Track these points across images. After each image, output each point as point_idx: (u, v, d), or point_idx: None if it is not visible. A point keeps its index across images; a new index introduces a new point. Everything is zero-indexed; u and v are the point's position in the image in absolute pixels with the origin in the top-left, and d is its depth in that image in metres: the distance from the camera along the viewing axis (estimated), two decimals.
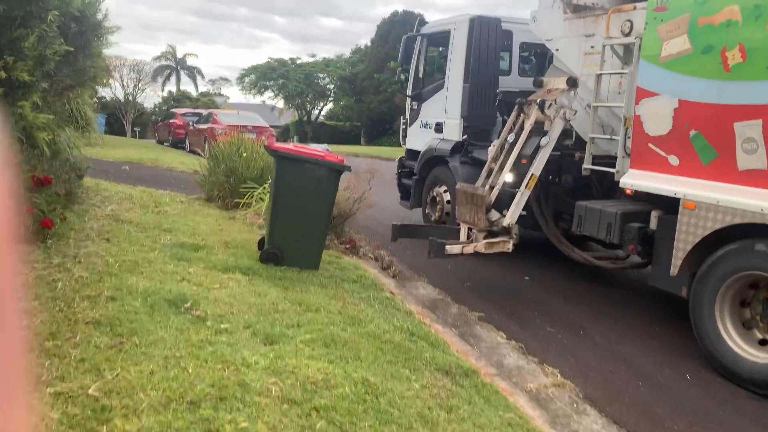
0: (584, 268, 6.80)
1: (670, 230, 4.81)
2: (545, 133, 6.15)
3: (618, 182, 5.67)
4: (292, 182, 5.36)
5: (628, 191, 5.34)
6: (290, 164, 5.39)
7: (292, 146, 5.91)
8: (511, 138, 6.26)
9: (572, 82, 6.06)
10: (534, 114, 6.07)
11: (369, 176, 7.14)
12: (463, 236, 6.27)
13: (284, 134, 45.21)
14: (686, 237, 4.58)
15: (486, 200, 5.95)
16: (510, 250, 6.05)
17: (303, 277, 5.05)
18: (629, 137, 5.42)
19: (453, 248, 5.81)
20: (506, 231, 6.04)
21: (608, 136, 5.87)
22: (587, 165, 5.96)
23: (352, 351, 3.43)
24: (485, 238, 6.03)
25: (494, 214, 5.98)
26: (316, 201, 5.41)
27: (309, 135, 44.05)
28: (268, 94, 44.47)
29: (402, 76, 9.06)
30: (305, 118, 45.82)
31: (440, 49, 9.03)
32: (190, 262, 4.83)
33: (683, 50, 4.65)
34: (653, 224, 5.20)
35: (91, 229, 5.39)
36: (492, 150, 7.02)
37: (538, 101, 6.07)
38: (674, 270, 4.68)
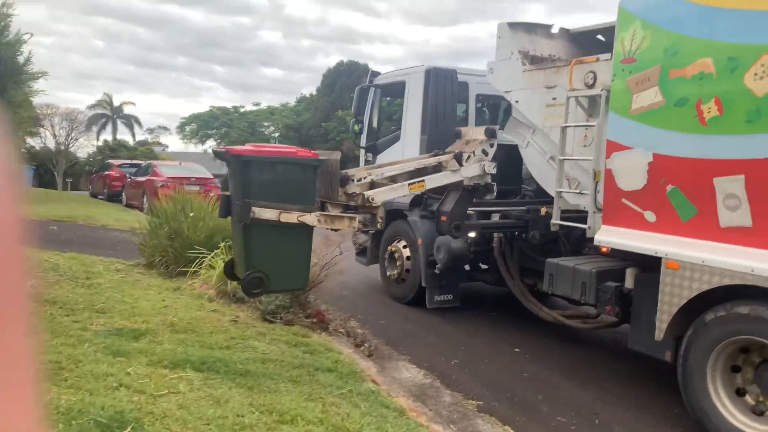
0: (569, 330, 6.45)
1: (650, 290, 4.56)
2: (464, 188, 5.86)
3: (586, 237, 5.46)
4: (265, 189, 4.73)
5: (603, 249, 5.09)
6: (261, 168, 4.77)
7: (250, 147, 5.19)
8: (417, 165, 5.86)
9: (490, 133, 5.86)
10: (452, 166, 5.78)
11: (341, 239, 6.63)
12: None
13: (226, 183, 44.24)
14: (671, 299, 4.32)
15: (338, 169, 5.30)
16: (355, 229, 5.36)
17: (269, 369, 4.30)
18: (599, 192, 5.22)
19: (264, 212, 4.78)
20: (367, 209, 5.27)
21: (577, 191, 5.66)
22: (556, 221, 5.72)
23: None
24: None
25: (353, 186, 5.30)
26: (297, 205, 4.81)
27: None
28: (210, 142, 43.73)
29: (356, 127, 8.76)
30: None
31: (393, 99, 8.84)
32: (129, 357, 4.00)
33: (655, 103, 4.50)
34: (629, 283, 4.95)
35: None
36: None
37: (455, 153, 5.78)
38: (659, 334, 4.39)
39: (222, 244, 6.80)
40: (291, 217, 4.80)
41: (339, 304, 6.95)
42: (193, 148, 44.91)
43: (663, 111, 4.42)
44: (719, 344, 4.11)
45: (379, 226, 5.31)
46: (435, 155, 5.97)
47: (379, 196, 5.26)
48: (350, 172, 5.51)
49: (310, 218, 4.87)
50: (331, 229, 6.21)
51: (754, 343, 4.00)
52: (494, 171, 5.86)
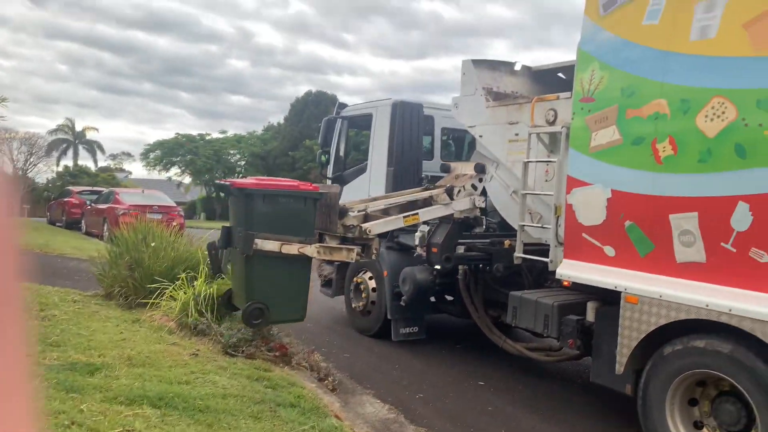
0: (533, 363, 6.46)
1: (610, 323, 4.63)
2: (454, 221, 6.01)
3: (548, 270, 5.54)
4: (267, 221, 4.88)
5: (565, 282, 5.17)
6: (264, 201, 4.91)
7: (253, 180, 5.33)
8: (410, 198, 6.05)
9: (480, 168, 6.00)
10: (442, 200, 5.92)
11: None
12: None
13: (190, 210, 43.67)
14: (630, 333, 4.40)
15: (337, 201, 5.54)
16: (353, 260, 5.54)
17: (230, 405, 4.17)
18: (561, 226, 5.32)
19: (266, 244, 4.96)
20: (363, 241, 5.52)
21: (539, 225, 5.77)
22: (519, 254, 5.80)
23: None
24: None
25: (350, 219, 5.51)
26: (297, 236, 4.98)
27: (218, 212, 42.78)
28: (175, 170, 43.16)
29: (323, 158, 8.79)
30: (214, 194, 44.58)
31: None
32: (83, 392, 3.84)
33: (613, 141, 4.64)
34: (590, 316, 5.03)
35: None
36: (418, 235, 6.80)
37: (446, 188, 5.93)
38: (620, 367, 4.46)
39: (183, 275, 6.67)
40: (292, 248, 4.99)
41: (303, 337, 6.86)
42: (157, 175, 44.27)
43: (620, 149, 4.57)
44: (677, 377, 4.18)
45: (374, 256, 5.48)
46: (426, 189, 6.13)
47: (376, 228, 5.46)
48: (347, 204, 5.66)
49: (310, 250, 5.08)
50: (327, 262, 6.35)
51: (710, 376, 4.09)
52: (483, 205, 6.02)
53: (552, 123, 5.63)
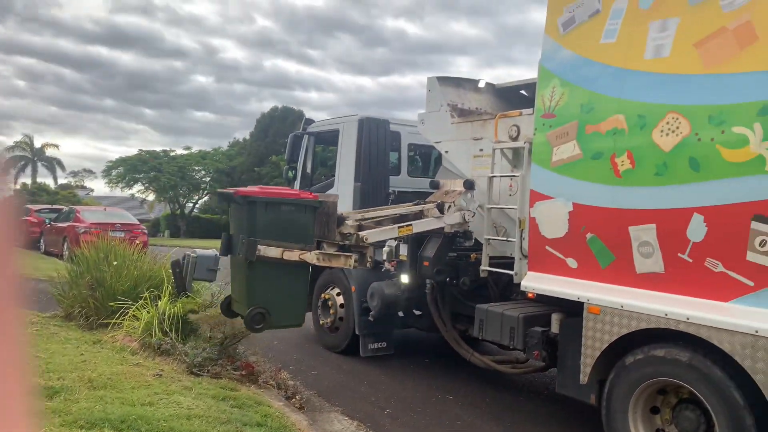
0: (500, 375, 6.51)
1: (574, 334, 4.72)
2: (444, 235, 6.13)
3: (513, 282, 5.62)
4: (269, 228, 5.11)
5: (530, 294, 5.24)
6: (267, 209, 5.14)
7: (257, 188, 5.52)
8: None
9: (469, 185, 6.10)
10: (433, 214, 6.05)
11: None
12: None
13: (154, 228, 42.89)
14: (593, 343, 4.49)
15: (335, 210, 5.73)
16: (351, 266, 5.71)
17: (195, 426, 4.08)
18: (525, 239, 5.42)
19: (269, 251, 5.08)
20: (359, 249, 5.70)
21: (504, 238, 5.85)
22: (485, 267, 5.87)
23: None
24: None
25: (347, 227, 5.69)
26: (298, 243, 5.23)
27: (182, 229, 42.10)
28: (138, 187, 42.38)
29: (290, 174, 8.77)
30: (178, 211, 43.91)
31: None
32: (41, 417, 3.68)
33: (574, 155, 4.76)
34: (555, 328, 5.10)
35: None
36: (386, 250, 6.83)
37: (437, 203, 6.05)
38: (584, 378, 4.54)
39: (146, 294, 6.54)
40: (293, 255, 5.22)
41: (270, 355, 6.78)
42: (120, 192, 43.40)
43: (581, 163, 4.68)
44: (639, 386, 4.27)
45: (368, 264, 5.61)
46: (417, 204, 6.29)
47: (372, 237, 5.72)
48: (344, 214, 5.81)
49: (310, 256, 5.34)
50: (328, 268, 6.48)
51: (671, 384, 4.19)
52: (473, 219, 6.14)
53: (515, 138, 5.75)
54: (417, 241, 6.67)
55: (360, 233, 5.64)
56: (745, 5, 3.78)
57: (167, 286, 6.73)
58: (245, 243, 5.06)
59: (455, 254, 6.67)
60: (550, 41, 4.99)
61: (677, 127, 4.03)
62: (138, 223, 18.88)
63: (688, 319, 3.92)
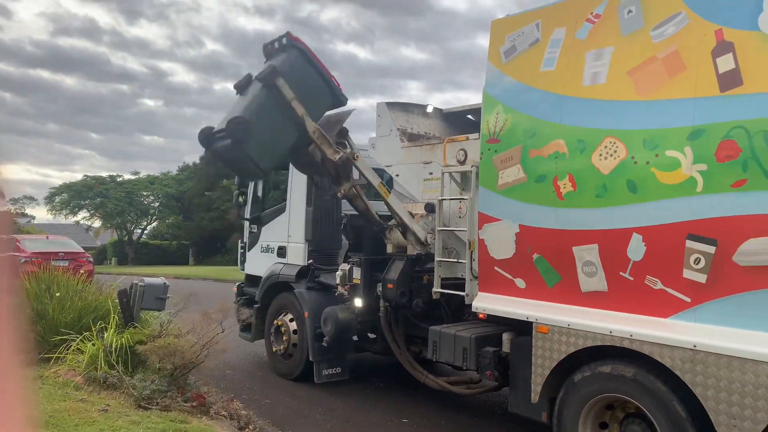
0: (455, 396, 6.54)
1: (525, 353, 4.81)
2: (407, 258, 6.16)
3: (465, 303, 5.70)
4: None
5: (481, 315, 5.32)
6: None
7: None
8: None
9: (430, 208, 6.18)
10: (395, 238, 6.08)
11: (221, 316, 6.37)
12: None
13: (101, 256, 41.56)
14: (543, 362, 4.59)
15: None
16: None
17: None
18: (475, 260, 5.52)
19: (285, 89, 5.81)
20: None
21: (454, 259, 5.94)
22: (437, 288, 5.93)
23: None
24: None
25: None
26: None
27: (130, 256, 40.91)
28: (83, 213, 41.06)
29: (240, 199, 8.67)
30: (126, 238, 42.69)
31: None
32: None
33: (518, 179, 4.90)
34: (506, 347, 5.19)
35: None
36: (339, 274, 6.83)
37: (399, 226, 6.09)
38: (535, 396, 4.62)
39: (92, 325, 6.33)
40: (299, 108, 5.82)
41: (221, 385, 6.64)
42: (64, 219, 41.90)
43: (525, 186, 4.82)
44: (587, 403, 4.38)
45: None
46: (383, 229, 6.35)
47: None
48: None
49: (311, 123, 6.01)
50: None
51: (618, 399, 4.32)
52: (433, 242, 6.14)
53: (463, 162, 5.88)
54: (372, 264, 6.69)
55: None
56: (673, 36, 4.02)
57: (114, 317, 6.53)
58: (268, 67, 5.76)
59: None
60: (493, 69, 5.16)
61: (615, 151, 4.21)
62: (83, 251, 18.26)
63: (631, 335, 4.06)
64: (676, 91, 3.94)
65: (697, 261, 3.78)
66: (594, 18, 4.52)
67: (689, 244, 3.81)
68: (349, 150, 6.18)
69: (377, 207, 7.80)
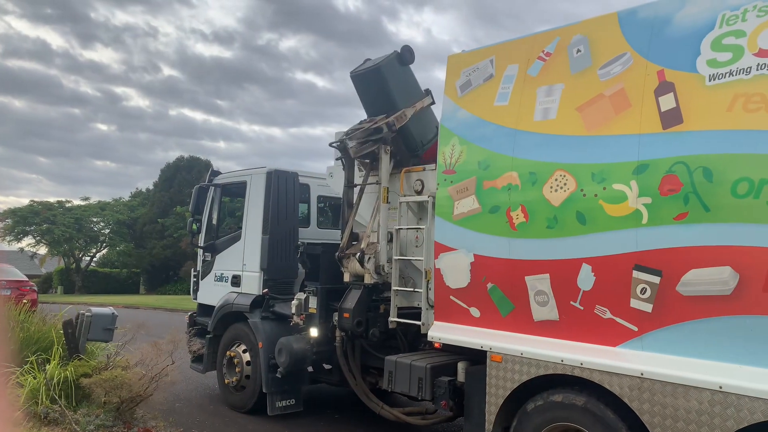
0: (412, 427, 6.49)
1: (479, 383, 4.83)
2: (364, 287, 6.13)
3: (421, 333, 5.71)
4: None
5: (437, 344, 5.34)
6: None
7: None
8: None
9: (388, 236, 6.19)
10: (352, 267, 6.06)
11: (172, 347, 6.18)
12: None
13: (46, 284, 39.95)
14: (497, 391, 4.62)
15: None
16: None
17: None
18: (431, 289, 5.55)
19: None
20: None
21: (411, 288, 5.96)
22: (393, 318, 5.93)
23: None
24: None
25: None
26: None
27: (77, 285, 39.46)
28: (28, 240, 39.49)
29: (194, 226, 8.53)
30: (73, 265, 41.20)
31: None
32: None
33: (473, 209, 4.99)
34: (461, 377, 5.21)
35: None
36: (295, 303, 6.75)
37: (357, 255, 6.07)
38: (489, 426, 4.64)
39: (33, 358, 6.05)
40: None
41: (170, 419, 6.42)
42: (7, 246, 40.17)
43: (480, 217, 4.92)
44: (542, 430, 4.42)
45: None
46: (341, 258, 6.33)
47: None
48: None
49: None
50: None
51: (569, 428, 4.36)
52: (390, 271, 6.10)
53: (420, 192, 5.96)
54: (328, 293, 6.65)
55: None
56: (619, 75, 4.21)
57: (57, 348, 6.27)
58: None
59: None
60: (449, 102, 5.28)
61: (565, 184, 4.35)
62: (26, 279, 17.50)
63: (581, 364, 4.14)
64: (622, 127, 4.11)
65: (643, 291, 3.91)
66: (545, 56, 4.70)
67: (636, 274, 3.94)
68: None
69: (333, 236, 7.80)
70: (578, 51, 4.49)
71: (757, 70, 3.56)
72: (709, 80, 3.74)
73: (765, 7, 3.62)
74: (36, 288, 17.54)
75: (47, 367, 5.94)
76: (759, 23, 3.62)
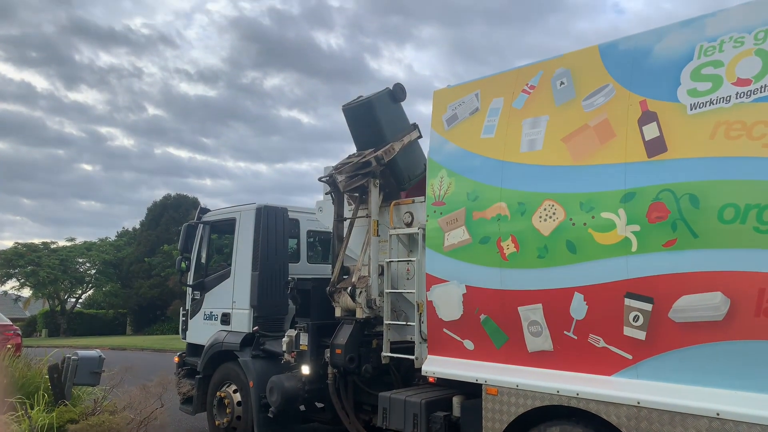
0: None
1: (475, 417, 4.76)
2: (356, 321, 6.07)
3: (415, 367, 5.65)
4: None
5: (431, 379, 5.28)
6: None
7: None
8: None
9: (379, 269, 6.17)
10: (344, 302, 6.02)
11: (161, 390, 6.04)
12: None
13: (30, 328, 39.18)
14: (493, 425, 4.55)
15: None
16: None
17: None
18: (424, 322, 5.52)
19: None
20: None
21: (403, 322, 5.92)
22: (386, 353, 5.87)
23: None
24: None
25: None
26: None
27: (62, 327, 38.75)
28: (12, 282, 38.91)
29: (183, 265, 8.45)
30: (58, 308, 40.52)
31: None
32: None
33: (463, 240, 5.00)
34: (456, 411, 5.14)
35: None
36: (286, 341, 6.67)
37: (348, 289, 6.03)
38: None
39: (17, 404, 5.90)
40: None
41: None
42: None
43: (470, 248, 4.92)
44: None
45: None
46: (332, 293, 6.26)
47: None
48: None
49: None
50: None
51: None
52: (382, 305, 6.03)
53: (409, 225, 5.97)
54: (320, 329, 6.57)
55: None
56: (602, 106, 4.29)
57: (42, 393, 6.12)
58: None
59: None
60: (436, 135, 5.34)
61: (554, 213, 4.38)
62: (10, 323, 17.14)
63: (577, 394, 4.11)
64: (608, 156, 4.17)
65: (636, 318, 3.91)
66: (529, 89, 4.79)
67: (628, 302, 3.94)
68: None
69: (323, 270, 7.76)
70: (562, 83, 4.58)
71: (737, 98, 3.65)
72: (691, 109, 3.82)
73: (741, 38, 3.73)
74: (20, 332, 17.19)
75: (31, 413, 5.78)
76: (735, 53, 3.72)
